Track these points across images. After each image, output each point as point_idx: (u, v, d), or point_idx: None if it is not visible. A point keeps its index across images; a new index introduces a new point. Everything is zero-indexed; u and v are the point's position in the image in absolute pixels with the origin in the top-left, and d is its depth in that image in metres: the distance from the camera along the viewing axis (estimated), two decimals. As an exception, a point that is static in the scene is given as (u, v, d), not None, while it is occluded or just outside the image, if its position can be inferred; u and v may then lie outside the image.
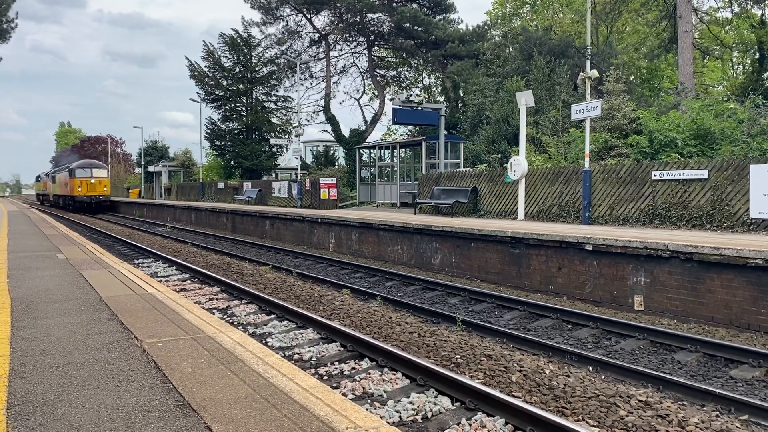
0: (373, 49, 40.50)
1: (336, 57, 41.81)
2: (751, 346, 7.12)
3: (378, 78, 41.93)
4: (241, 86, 42.80)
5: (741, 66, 38.11)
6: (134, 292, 6.81)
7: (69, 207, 44.42)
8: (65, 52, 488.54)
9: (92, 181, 42.66)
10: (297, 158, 28.89)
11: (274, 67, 42.76)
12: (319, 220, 18.89)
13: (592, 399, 5.12)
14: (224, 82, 42.75)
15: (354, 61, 42.26)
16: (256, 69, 43.05)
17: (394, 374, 5.87)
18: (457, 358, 6.25)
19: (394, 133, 42.01)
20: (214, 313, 8.31)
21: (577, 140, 18.38)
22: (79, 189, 42.23)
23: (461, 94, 33.68)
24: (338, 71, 42.42)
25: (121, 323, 5.23)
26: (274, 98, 44.41)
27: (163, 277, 12.50)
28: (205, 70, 42.76)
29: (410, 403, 5.12)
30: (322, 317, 7.99)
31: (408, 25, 35.70)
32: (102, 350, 4.40)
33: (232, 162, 43.46)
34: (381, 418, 4.59)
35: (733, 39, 34.95)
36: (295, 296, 9.95)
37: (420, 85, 43.43)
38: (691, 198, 11.80)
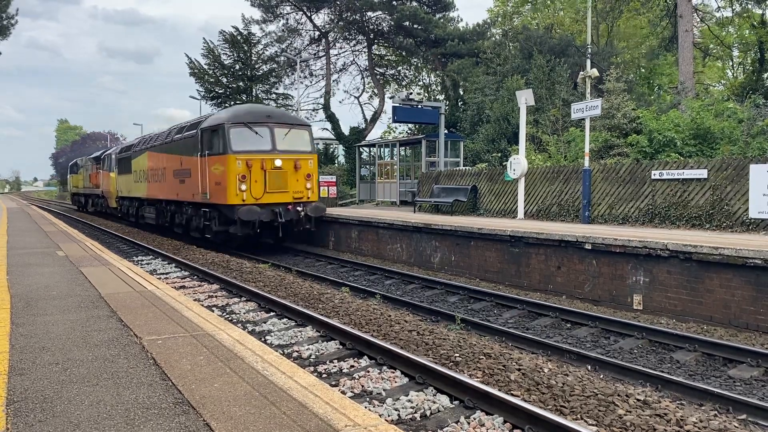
0: (373, 47, 40.47)
1: (336, 55, 41.82)
2: (749, 346, 7.13)
3: (378, 76, 41.91)
4: (240, 84, 42.75)
5: (741, 66, 38.09)
6: (133, 290, 6.81)
7: (196, 233, 17.74)
8: (61, 48, 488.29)
9: (277, 162, 15.63)
10: (297, 156, 28.76)
11: (274, 65, 42.73)
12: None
13: (590, 398, 5.13)
14: (224, 80, 42.71)
15: (354, 60, 42.26)
16: (256, 66, 43.00)
17: (393, 372, 5.88)
18: (456, 357, 6.26)
19: (394, 132, 41.99)
20: (213, 311, 8.32)
21: (577, 139, 18.38)
22: (241, 188, 15.16)
23: (461, 93, 33.65)
24: (338, 69, 42.41)
25: (120, 320, 5.23)
26: (273, 96, 44.35)
27: (163, 274, 12.50)
28: (205, 67, 42.73)
29: (409, 401, 5.13)
30: (321, 315, 7.99)
31: (408, 23, 35.67)
32: (101, 347, 4.40)
33: (231, 159, 43.35)
34: (380, 416, 4.60)
35: (733, 39, 34.94)
36: (294, 294, 9.95)
37: (420, 84, 43.38)
38: (691, 197, 11.80)
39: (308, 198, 16.03)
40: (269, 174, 15.40)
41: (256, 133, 15.54)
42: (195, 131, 17.03)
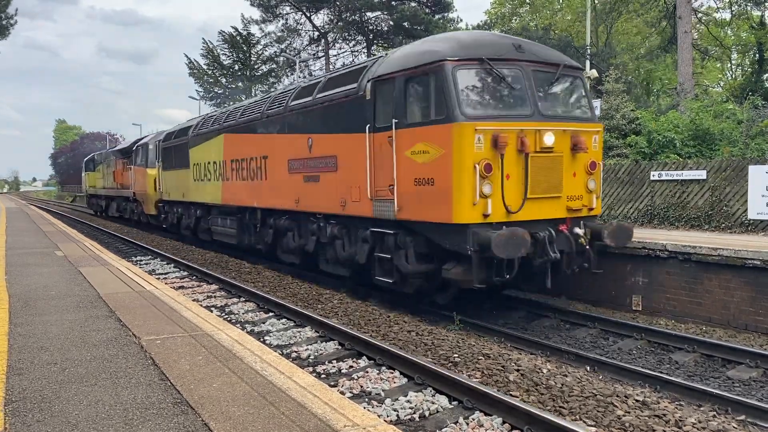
0: (373, 47, 40.50)
1: (335, 55, 41.83)
2: (748, 347, 7.13)
3: (377, 77, 41.95)
4: (240, 84, 42.79)
5: (740, 67, 38.18)
6: (132, 290, 6.81)
7: (343, 270, 10.12)
8: (59, 48, 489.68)
9: (547, 139, 7.46)
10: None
11: (274, 65, 42.77)
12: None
13: (589, 398, 5.13)
14: (223, 80, 42.75)
15: (353, 60, 42.31)
16: (256, 67, 43.05)
17: (392, 373, 5.87)
18: (454, 357, 6.25)
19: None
20: (212, 311, 8.31)
21: (576, 140, 18.35)
22: (484, 191, 7.19)
23: (460, 93, 33.60)
24: (338, 70, 42.49)
25: (119, 320, 5.23)
26: (273, 96, 44.40)
27: (162, 274, 12.49)
28: (204, 67, 42.76)
29: (408, 401, 5.12)
30: (320, 315, 7.99)
31: (407, 23, 35.70)
32: (100, 347, 4.40)
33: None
34: (378, 416, 4.59)
35: (731, 40, 35.01)
36: (293, 294, 9.95)
37: (419, 84, 43.42)
38: (690, 198, 11.81)
39: (590, 209, 8.30)
40: (533, 162, 7.55)
41: (503, 79, 7.66)
42: (354, 86, 9.01)
